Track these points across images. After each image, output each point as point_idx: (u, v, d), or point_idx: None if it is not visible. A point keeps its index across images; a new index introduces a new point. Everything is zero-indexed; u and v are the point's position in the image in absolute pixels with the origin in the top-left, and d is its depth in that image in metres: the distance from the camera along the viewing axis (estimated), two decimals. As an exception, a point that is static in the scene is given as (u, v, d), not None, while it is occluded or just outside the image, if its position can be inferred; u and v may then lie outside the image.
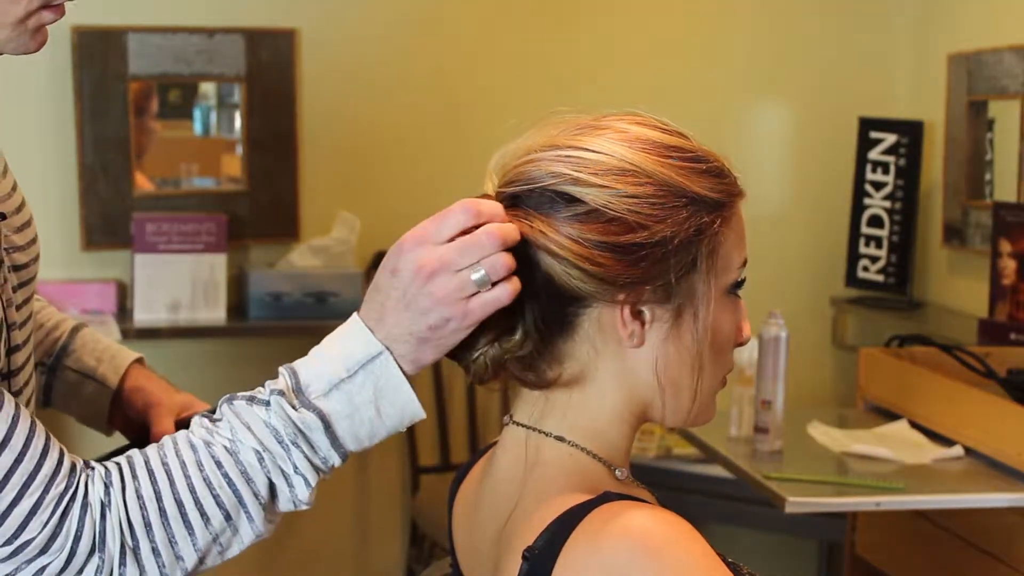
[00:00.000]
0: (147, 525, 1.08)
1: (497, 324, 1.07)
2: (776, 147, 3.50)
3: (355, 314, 1.09)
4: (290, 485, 1.09)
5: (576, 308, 1.08)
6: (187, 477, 1.09)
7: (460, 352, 1.09)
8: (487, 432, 3.27)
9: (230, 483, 1.09)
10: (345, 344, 1.08)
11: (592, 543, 0.99)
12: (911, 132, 3.31)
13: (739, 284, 1.11)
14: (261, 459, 1.08)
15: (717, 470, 2.59)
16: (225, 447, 1.09)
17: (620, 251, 1.06)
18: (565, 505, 1.03)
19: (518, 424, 1.13)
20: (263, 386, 1.10)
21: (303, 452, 1.08)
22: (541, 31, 3.29)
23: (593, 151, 1.09)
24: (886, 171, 3.35)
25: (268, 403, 1.08)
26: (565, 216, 1.07)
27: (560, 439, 1.10)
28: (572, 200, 1.07)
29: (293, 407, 1.07)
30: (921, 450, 2.33)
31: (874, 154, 3.37)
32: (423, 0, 3.20)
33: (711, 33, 3.40)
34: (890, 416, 2.53)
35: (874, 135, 3.37)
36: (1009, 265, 2.86)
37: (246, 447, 1.08)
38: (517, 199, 1.09)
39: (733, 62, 3.41)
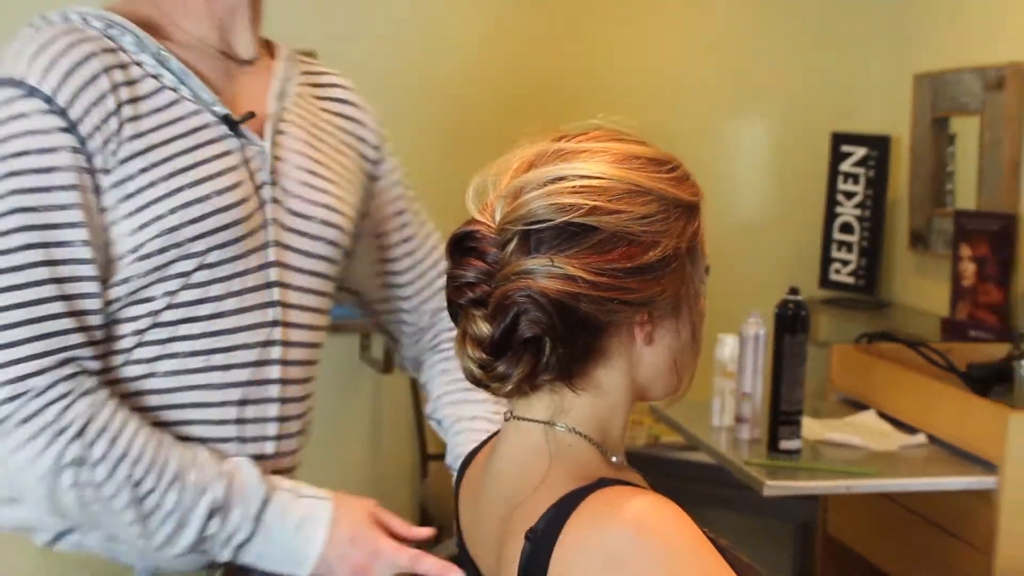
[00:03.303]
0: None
1: (527, 361, 1.03)
2: (755, 159, 3.50)
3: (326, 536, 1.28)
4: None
5: (604, 335, 1.04)
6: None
7: (490, 383, 1.05)
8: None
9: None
10: (304, 530, 1.29)
11: (590, 525, 0.97)
12: (879, 146, 3.34)
13: (707, 269, 1.11)
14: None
15: (701, 457, 2.59)
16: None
17: (644, 272, 1.02)
18: (564, 490, 1.01)
19: (521, 419, 1.09)
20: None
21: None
22: (541, 47, 3.29)
23: (596, 176, 1.03)
24: (856, 182, 3.37)
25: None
26: (587, 248, 1.01)
27: (566, 430, 1.07)
28: (590, 229, 1.01)
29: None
30: (888, 438, 2.34)
31: (845, 166, 3.39)
32: (435, 20, 3.20)
33: (698, 53, 3.41)
34: (859, 407, 2.54)
35: (845, 148, 3.39)
36: (969, 268, 2.87)
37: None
38: (528, 236, 1.02)
39: (717, 79, 3.42)
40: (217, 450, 1.31)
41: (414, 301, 1.55)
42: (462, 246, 1.05)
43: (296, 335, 1.36)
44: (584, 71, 3.30)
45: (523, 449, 1.08)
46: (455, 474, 1.34)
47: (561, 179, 1.02)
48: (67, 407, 1.19)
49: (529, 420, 1.08)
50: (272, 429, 1.36)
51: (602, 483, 1.01)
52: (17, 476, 1.21)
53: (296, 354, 1.37)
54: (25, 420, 1.18)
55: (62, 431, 1.18)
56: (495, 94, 3.22)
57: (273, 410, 1.36)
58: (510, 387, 1.05)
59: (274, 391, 1.35)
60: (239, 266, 1.29)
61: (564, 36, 3.31)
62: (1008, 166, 2.86)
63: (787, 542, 3.28)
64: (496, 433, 1.19)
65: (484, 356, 1.03)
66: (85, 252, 1.21)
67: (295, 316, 1.35)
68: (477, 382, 1.06)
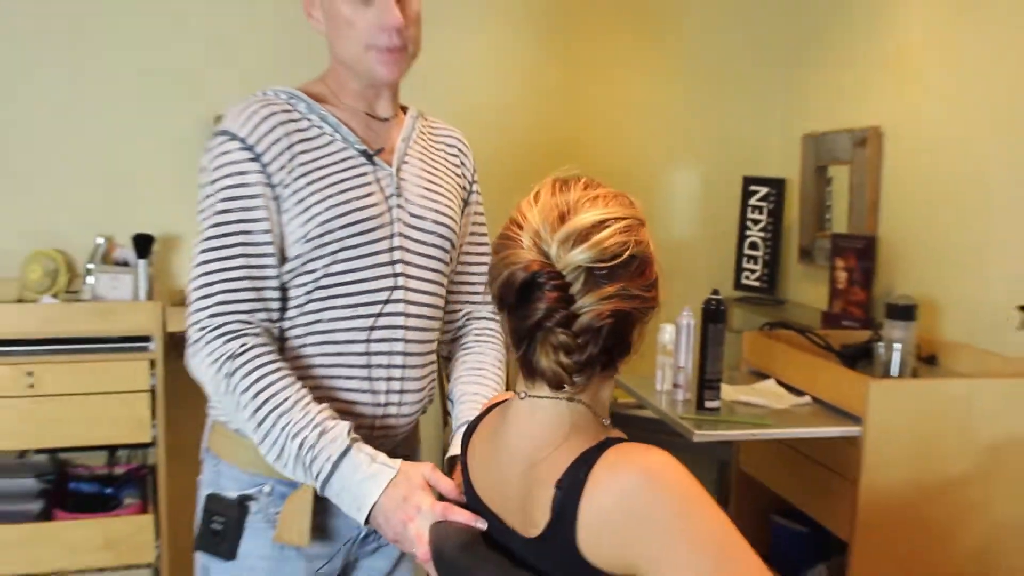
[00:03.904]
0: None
1: (600, 363, 1.00)
2: (688, 195, 3.50)
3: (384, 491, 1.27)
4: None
5: (636, 334, 1.03)
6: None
7: (570, 383, 1.01)
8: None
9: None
10: (363, 486, 1.27)
11: (609, 474, 0.95)
12: (777, 186, 3.36)
13: None
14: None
15: (647, 413, 2.55)
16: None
17: (656, 282, 1.02)
18: (580, 448, 0.99)
19: (539, 398, 1.05)
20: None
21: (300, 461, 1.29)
22: (541, 115, 3.26)
23: (623, 217, 1.00)
24: (761, 212, 3.39)
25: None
26: (634, 273, 0.99)
27: (574, 402, 1.04)
28: (633, 258, 0.99)
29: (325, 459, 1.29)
30: (783, 399, 2.36)
31: (753, 201, 3.41)
32: (464, 97, 3.16)
33: (649, 119, 3.40)
34: (763, 376, 2.56)
35: (753, 188, 3.41)
36: (842, 275, 2.89)
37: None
38: (592, 272, 0.98)
39: (662, 137, 3.42)
40: (346, 408, 1.37)
41: (462, 300, 1.59)
42: (533, 283, 0.99)
43: (414, 296, 1.43)
44: (571, 132, 3.31)
45: (543, 420, 1.04)
46: (456, 440, 1.38)
47: (601, 224, 0.99)
48: (228, 342, 1.30)
49: (549, 398, 1.04)
50: (397, 371, 1.42)
51: (609, 441, 0.99)
52: (203, 380, 1.33)
53: (415, 310, 1.43)
54: (206, 344, 1.30)
55: (219, 357, 1.30)
56: (511, 151, 3.21)
57: (399, 347, 1.42)
58: (582, 382, 1.02)
59: (399, 333, 1.42)
60: (371, 248, 1.38)
61: (558, 110, 3.30)
62: (870, 202, 2.89)
63: (711, 475, 3.30)
64: (491, 409, 1.16)
65: (572, 363, 0.99)
66: (266, 237, 1.33)
67: (413, 283, 1.43)
68: (559, 383, 1.01)
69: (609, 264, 0.97)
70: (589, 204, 1.01)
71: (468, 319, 1.58)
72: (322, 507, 1.40)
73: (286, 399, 1.29)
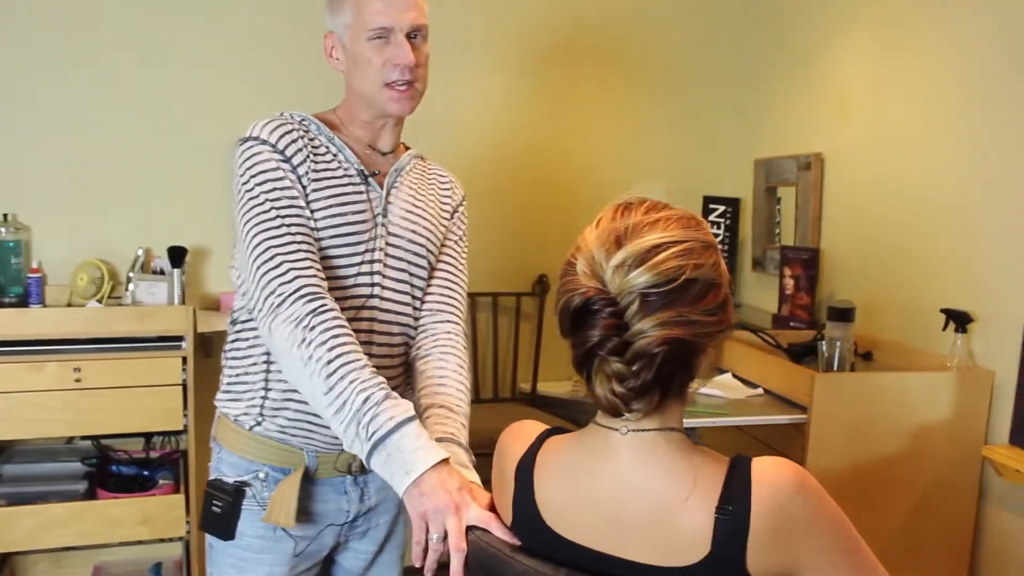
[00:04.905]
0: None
1: (659, 391, 0.90)
2: None
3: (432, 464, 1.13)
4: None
5: (701, 356, 0.92)
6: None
7: (627, 411, 0.90)
8: (505, 372, 3.20)
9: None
10: (417, 452, 1.14)
11: (769, 489, 0.87)
12: (733, 205, 3.37)
13: None
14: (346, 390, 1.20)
15: None
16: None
17: (726, 304, 0.91)
18: (714, 472, 0.89)
19: (639, 431, 0.92)
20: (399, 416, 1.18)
21: (356, 423, 1.18)
22: (541, 146, 3.26)
23: (682, 241, 0.89)
24: (719, 227, 3.39)
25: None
26: (693, 297, 0.87)
27: (675, 432, 0.94)
28: (692, 282, 0.87)
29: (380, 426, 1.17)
30: (739, 391, 2.38)
31: (712, 217, 3.41)
32: (467, 138, 3.15)
33: (620, 146, 3.41)
34: (721, 371, 2.57)
35: (712, 206, 3.41)
36: (789, 282, 2.90)
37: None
38: (648, 298, 0.87)
39: (632, 161, 3.43)
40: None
41: (422, 313, 1.51)
42: (587, 309, 0.89)
43: (387, 305, 1.42)
44: (554, 159, 3.31)
45: (654, 454, 0.92)
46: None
47: (657, 248, 0.88)
48: (308, 302, 1.25)
49: (649, 431, 0.93)
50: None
51: (742, 459, 0.90)
52: (277, 341, 1.25)
53: (385, 316, 1.42)
54: (288, 307, 1.25)
55: (301, 315, 1.24)
56: (500, 177, 3.22)
57: (372, 350, 1.39)
58: (642, 411, 0.91)
59: (374, 338, 1.40)
60: (355, 258, 1.38)
61: (544, 142, 3.31)
62: (813, 219, 2.91)
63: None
64: (545, 436, 1.01)
65: (626, 391, 0.89)
66: (311, 222, 1.33)
67: (388, 294, 1.43)
68: (616, 410, 0.91)
69: (663, 289, 0.86)
70: (648, 228, 0.90)
71: (425, 323, 1.49)
72: (307, 494, 1.39)
73: (358, 359, 1.21)
